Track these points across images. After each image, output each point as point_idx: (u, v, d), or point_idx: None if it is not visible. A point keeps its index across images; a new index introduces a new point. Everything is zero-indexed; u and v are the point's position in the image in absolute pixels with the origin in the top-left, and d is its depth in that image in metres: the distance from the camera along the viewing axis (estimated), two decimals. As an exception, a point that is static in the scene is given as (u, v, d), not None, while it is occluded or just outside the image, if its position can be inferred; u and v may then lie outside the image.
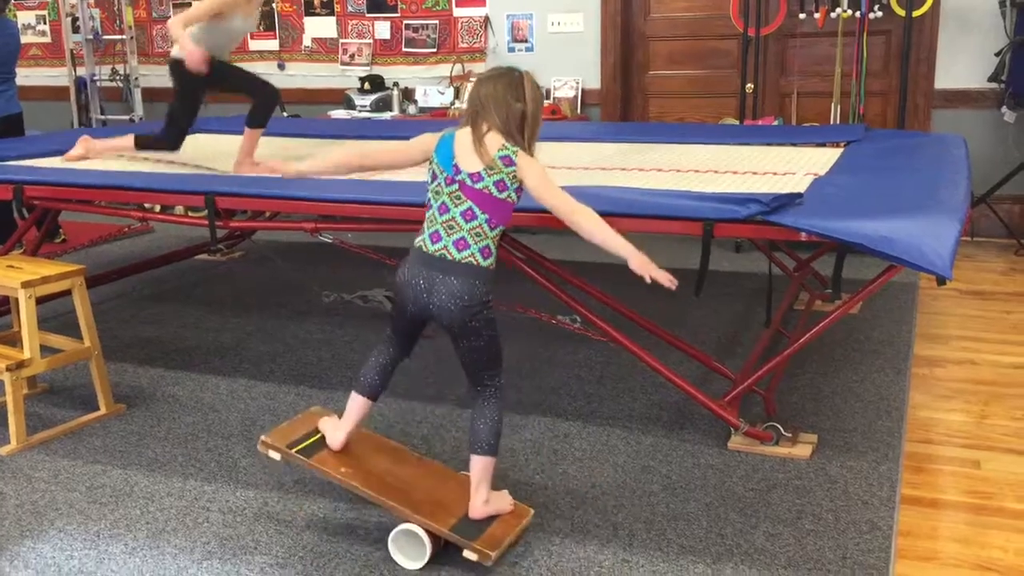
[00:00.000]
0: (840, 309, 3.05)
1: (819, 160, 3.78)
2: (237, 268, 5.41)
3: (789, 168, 3.63)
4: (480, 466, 2.41)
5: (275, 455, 2.49)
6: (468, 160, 2.33)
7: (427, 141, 2.45)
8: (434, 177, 2.39)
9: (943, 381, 3.55)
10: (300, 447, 2.49)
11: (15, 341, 3.31)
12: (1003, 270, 5.08)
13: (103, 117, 7.19)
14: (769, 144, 4.33)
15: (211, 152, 4.46)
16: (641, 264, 2.37)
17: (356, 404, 2.56)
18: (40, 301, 3.20)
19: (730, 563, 2.37)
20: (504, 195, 2.34)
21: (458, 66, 6.43)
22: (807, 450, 2.93)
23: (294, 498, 2.72)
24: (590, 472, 2.85)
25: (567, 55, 6.22)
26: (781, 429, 2.97)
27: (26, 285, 3.11)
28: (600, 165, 3.80)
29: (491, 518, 2.41)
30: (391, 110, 6.43)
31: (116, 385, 3.48)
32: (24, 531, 2.58)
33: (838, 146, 4.19)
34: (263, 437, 2.51)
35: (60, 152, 4.39)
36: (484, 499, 2.41)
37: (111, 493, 2.78)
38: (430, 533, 2.34)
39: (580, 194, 2.49)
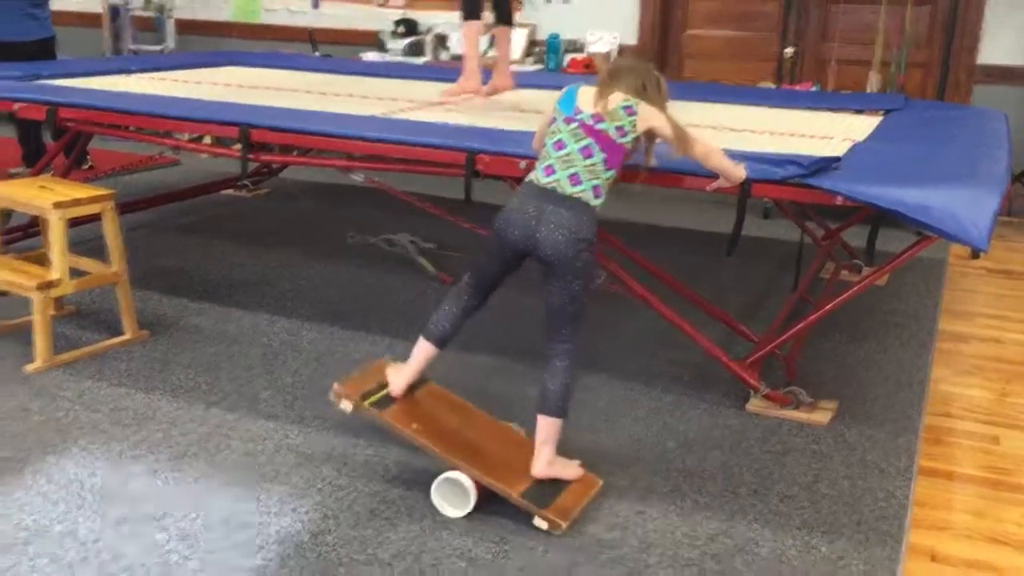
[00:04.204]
0: (868, 278, 3.03)
1: (857, 127, 3.73)
2: (263, 205, 5.42)
3: (827, 132, 3.58)
4: (546, 426, 2.37)
5: (346, 405, 2.41)
6: (590, 105, 2.39)
7: (554, 98, 2.51)
8: (551, 122, 2.45)
9: (967, 357, 3.54)
10: (372, 399, 2.42)
11: (44, 262, 3.32)
12: (1033, 251, 5.03)
13: (134, 47, 7.16)
14: (806, 108, 4.27)
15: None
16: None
17: (421, 350, 2.52)
18: (70, 224, 3.22)
19: (743, 521, 2.38)
20: (622, 140, 2.38)
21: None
22: (826, 417, 2.93)
23: (314, 432, 2.75)
24: (610, 425, 2.86)
25: (604, 9, 6.12)
26: (801, 394, 2.96)
27: (58, 206, 3.12)
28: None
29: (561, 486, 2.37)
30: (424, 55, 6.38)
31: (140, 312, 3.50)
32: (47, 447, 2.62)
33: (876, 114, 4.14)
34: (335, 385, 2.43)
35: (95, 75, 4.39)
36: (548, 460, 2.38)
37: (134, 416, 2.81)
38: (476, 484, 2.31)
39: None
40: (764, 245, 4.81)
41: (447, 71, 4.80)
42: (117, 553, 2.16)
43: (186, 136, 4.83)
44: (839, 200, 2.63)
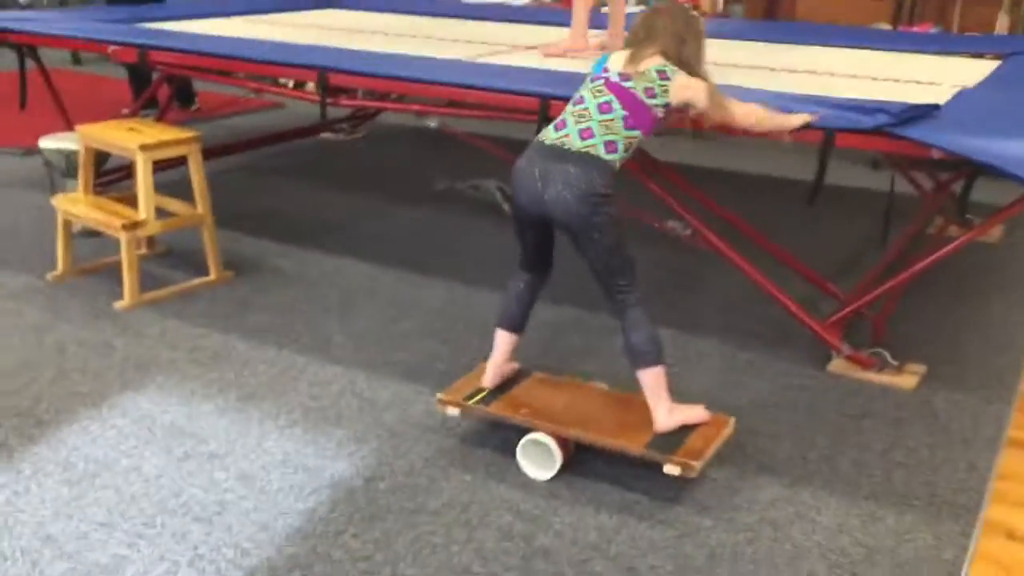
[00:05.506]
0: (967, 235, 2.84)
1: (971, 72, 3.47)
2: (358, 149, 5.46)
3: (935, 78, 3.34)
4: (650, 379, 2.28)
5: (453, 411, 2.43)
6: (620, 65, 2.30)
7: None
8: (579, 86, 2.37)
9: (1079, 322, 3.28)
10: (477, 399, 2.44)
11: (135, 203, 3.42)
12: None
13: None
14: (919, 51, 4.00)
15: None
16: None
17: (498, 338, 2.48)
18: (160, 167, 3.30)
19: (809, 487, 2.28)
20: (651, 102, 2.26)
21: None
22: (912, 381, 2.78)
23: (379, 379, 2.76)
24: (678, 379, 2.75)
25: (713, -54, 5.87)
26: (887, 357, 2.81)
27: (144, 148, 3.20)
28: (731, 62, 3.57)
29: (688, 430, 2.28)
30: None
31: (228, 253, 3.57)
32: (126, 383, 2.72)
33: (997, 58, 3.84)
34: (439, 395, 2.46)
35: (195, 18, 4.46)
36: (667, 411, 2.28)
37: (210, 355, 2.89)
38: (559, 441, 2.28)
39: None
40: (870, 198, 4.55)
41: (550, 13, 4.70)
42: (177, 489, 2.23)
43: (287, 82, 4.88)
44: (935, 153, 2.45)
